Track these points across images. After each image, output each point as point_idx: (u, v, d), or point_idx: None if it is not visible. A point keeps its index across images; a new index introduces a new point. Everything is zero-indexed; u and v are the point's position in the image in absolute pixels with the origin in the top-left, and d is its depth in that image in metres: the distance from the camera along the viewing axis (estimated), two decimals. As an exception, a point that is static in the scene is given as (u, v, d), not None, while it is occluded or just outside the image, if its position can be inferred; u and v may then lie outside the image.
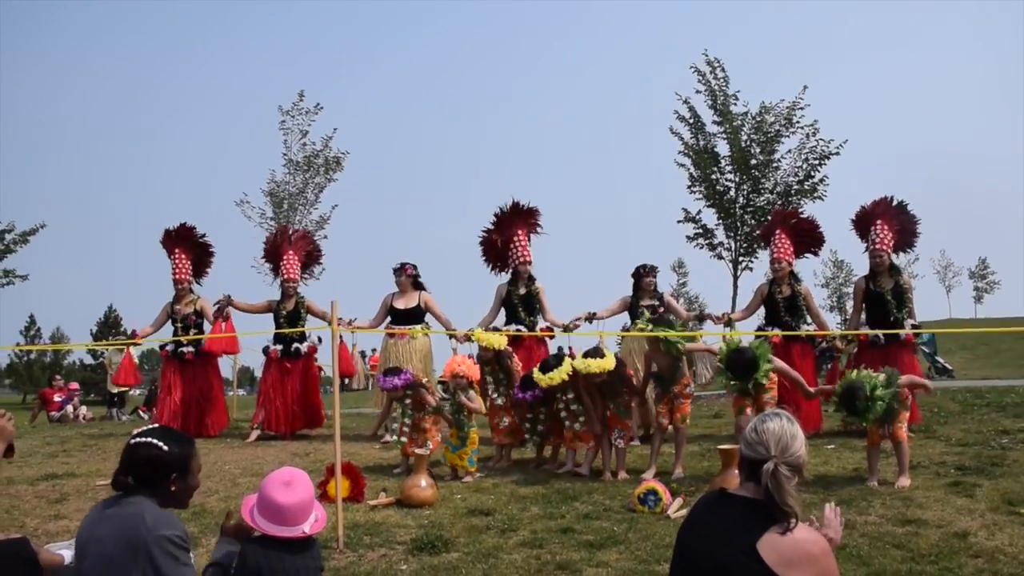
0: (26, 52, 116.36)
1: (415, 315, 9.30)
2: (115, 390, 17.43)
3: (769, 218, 9.55)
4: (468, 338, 8.18)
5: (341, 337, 9.42)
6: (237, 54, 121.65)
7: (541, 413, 7.54)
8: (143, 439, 2.94)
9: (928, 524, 5.14)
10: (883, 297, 8.32)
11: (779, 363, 6.87)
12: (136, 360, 10.32)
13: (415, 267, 9.48)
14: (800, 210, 12.29)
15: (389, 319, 9.41)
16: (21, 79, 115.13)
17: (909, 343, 8.37)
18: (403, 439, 7.25)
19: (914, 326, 8.41)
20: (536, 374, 7.19)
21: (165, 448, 2.91)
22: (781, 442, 2.58)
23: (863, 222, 8.72)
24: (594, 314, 8.61)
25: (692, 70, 14.18)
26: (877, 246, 8.42)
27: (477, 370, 7.38)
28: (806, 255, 9.20)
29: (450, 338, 8.44)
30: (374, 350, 24.44)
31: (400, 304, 9.38)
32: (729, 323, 8.43)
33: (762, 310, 8.74)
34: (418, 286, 9.49)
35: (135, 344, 10.02)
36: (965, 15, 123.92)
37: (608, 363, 6.86)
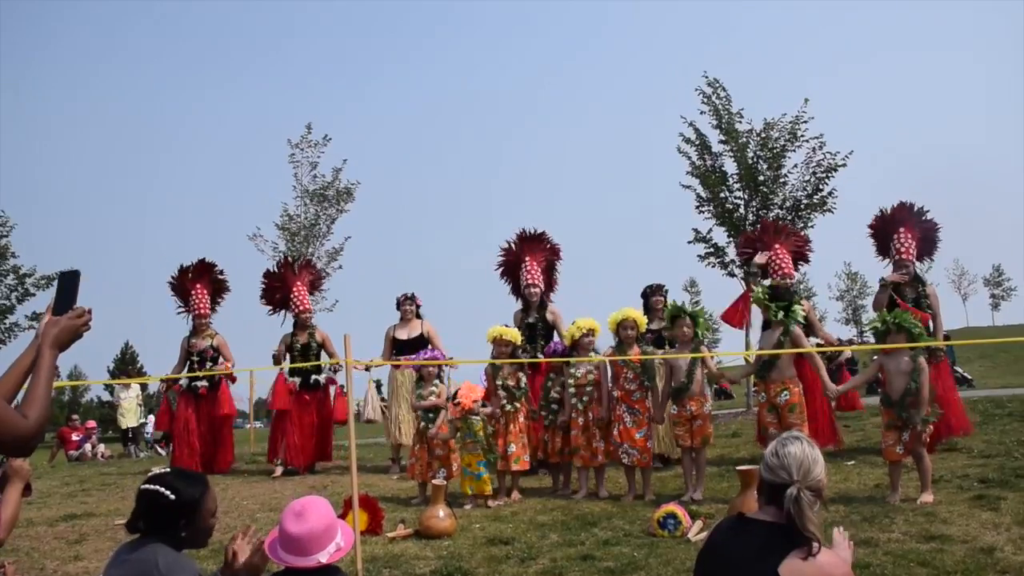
0: (32, 93, 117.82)
1: (419, 344, 9.22)
2: (126, 426, 17.50)
3: (759, 230, 9.13)
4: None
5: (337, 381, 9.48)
6: (244, 88, 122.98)
7: (557, 435, 7.54)
8: (151, 486, 2.93)
9: (953, 540, 5.07)
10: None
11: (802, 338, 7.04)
12: (172, 403, 10.36)
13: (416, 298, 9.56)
14: (799, 226, 12.27)
15: (393, 352, 9.39)
16: (32, 123, 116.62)
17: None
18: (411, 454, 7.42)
19: (945, 336, 8.15)
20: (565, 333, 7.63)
21: (172, 496, 2.89)
22: (803, 467, 2.56)
23: (883, 229, 8.37)
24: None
25: (697, 92, 14.23)
26: (903, 256, 8.05)
27: (482, 390, 7.42)
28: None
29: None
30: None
31: (403, 335, 9.40)
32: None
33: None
34: (419, 316, 9.56)
35: (171, 388, 10.13)
36: (971, 13, 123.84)
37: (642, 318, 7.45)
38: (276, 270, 10.37)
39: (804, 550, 2.45)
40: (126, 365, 52.66)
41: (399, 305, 9.54)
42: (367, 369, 9.22)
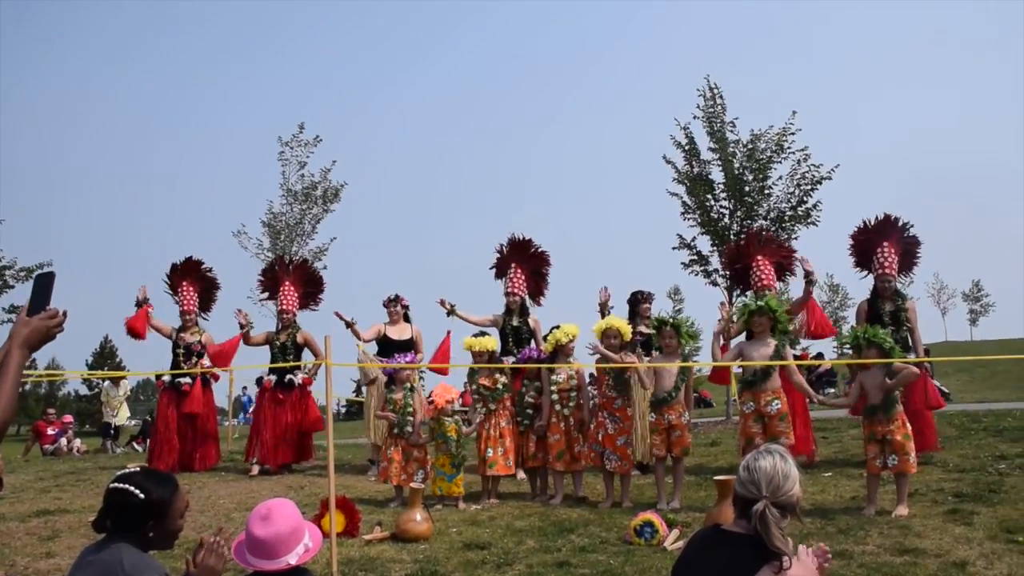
0: (25, 90, 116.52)
1: (409, 346, 9.36)
2: (111, 421, 17.34)
3: (744, 241, 9.34)
4: (452, 311, 8.95)
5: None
6: (237, 86, 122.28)
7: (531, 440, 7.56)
8: (120, 485, 2.87)
9: (926, 553, 5.10)
10: (880, 321, 7.94)
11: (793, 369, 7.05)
12: (151, 316, 10.14)
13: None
14: (782, 237, 12.36)
15: (377, 348, 9.41)
16: (20, 116, 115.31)
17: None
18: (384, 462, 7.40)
19: (925, 351, 8.20)
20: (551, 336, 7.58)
21: (141, 496, 2.84)
22: (773, 482, 2.57)
23: (865, 242, 8.42)
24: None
25: (698, 92, 14.28)
26: (886, 270, 8.12)
27: (456, 391, 7.57)
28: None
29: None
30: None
31: (395, 335, 9.48)
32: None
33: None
34: (407, 319, 9.68)
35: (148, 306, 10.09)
36: (957, 31, 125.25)
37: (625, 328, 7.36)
38: (270, 268, 10.60)
39: (775, 565, 2.47)
40: (105, 359, 52.14)
41: (384, 306, 9.66)
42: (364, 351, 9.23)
